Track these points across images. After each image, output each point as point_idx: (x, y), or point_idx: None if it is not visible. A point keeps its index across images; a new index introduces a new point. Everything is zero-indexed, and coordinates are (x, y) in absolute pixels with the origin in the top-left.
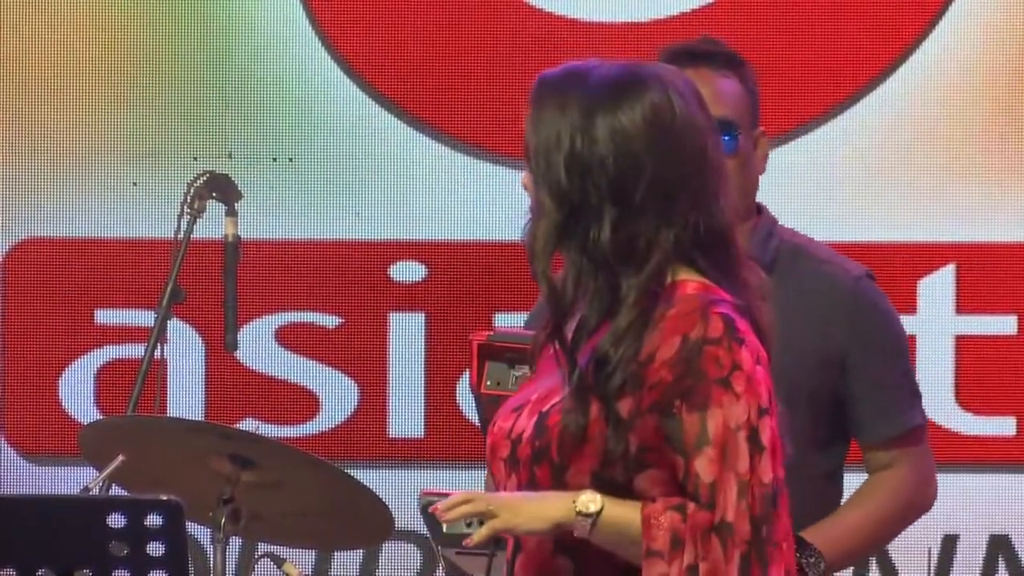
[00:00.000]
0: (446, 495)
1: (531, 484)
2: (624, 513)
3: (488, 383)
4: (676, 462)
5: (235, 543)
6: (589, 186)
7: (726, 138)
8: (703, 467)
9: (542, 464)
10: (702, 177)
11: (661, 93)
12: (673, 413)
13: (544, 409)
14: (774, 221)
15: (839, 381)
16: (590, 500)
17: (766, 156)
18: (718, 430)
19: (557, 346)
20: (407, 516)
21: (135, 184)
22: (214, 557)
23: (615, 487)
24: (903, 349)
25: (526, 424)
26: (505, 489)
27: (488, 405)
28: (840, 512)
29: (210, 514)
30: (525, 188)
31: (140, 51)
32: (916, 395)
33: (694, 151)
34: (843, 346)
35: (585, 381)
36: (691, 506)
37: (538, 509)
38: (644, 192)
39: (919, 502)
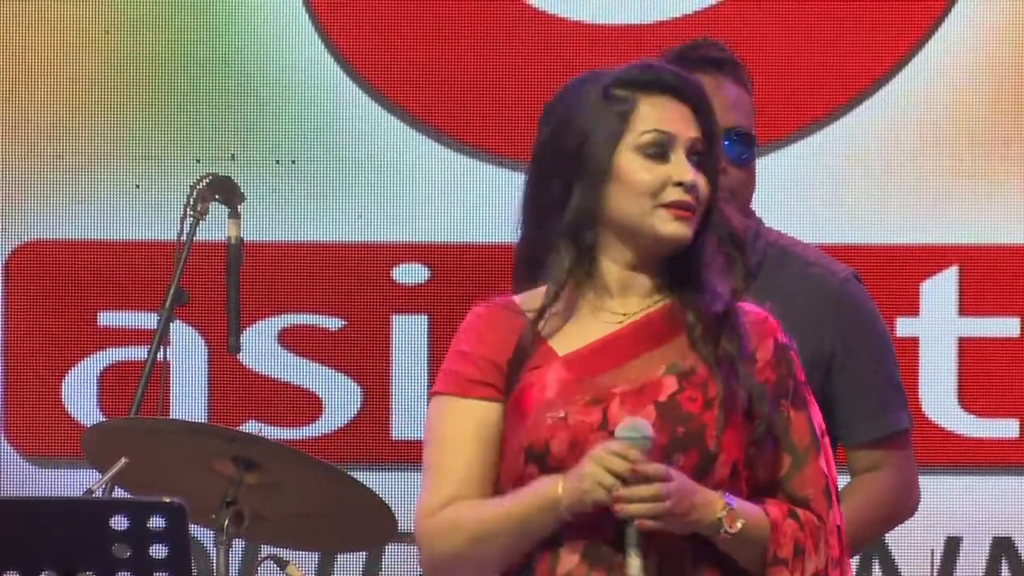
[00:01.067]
0: None
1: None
2: (756, 523)
3: None
4: (777, 458)
5: (238, 545)
6: None
7: (744, 148)
8: (817, 472)
9: (689, 451)
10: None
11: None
12: (780, 411)
13: (663, 399)
14: (760, 222)
15: (825, 382)
16: (736, 517)
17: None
18: (820, 433)
19: (691, 343)
20: (410, 518)
21: (138, 186)
22: (217, 559)
23: (739, 479)
24: (889, 351)
25: (631, 414)
26: None
27: None
28: None
29: (213, 516)
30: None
31: (142, 54)
32: (902, 398)
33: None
34: (829, 347)
35: (727, 374)
36: (802, 513)
37: (690, 516)
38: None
39: (901, 507)
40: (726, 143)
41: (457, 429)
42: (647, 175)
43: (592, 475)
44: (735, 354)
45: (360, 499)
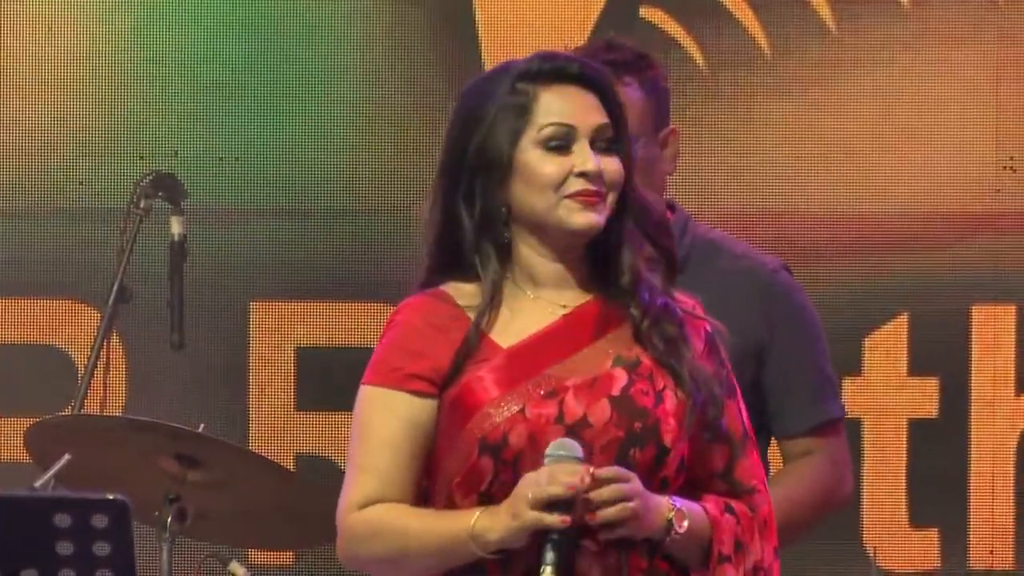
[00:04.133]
0: None
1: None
2: (699, 521)
3: None
4: (715, 449)
5: (190, 544)
6: None
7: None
8: (751, 463)
9: (646, 446)
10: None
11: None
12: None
13: (615, 394)
14: (688, 218)
15: (757, 373)
16: (683, 516)
17: (676, 154)
18: (748, 422)
19: (635, 335)
20: None
21: (82, 184)
22: (160, 557)
23: (679, 476)
24: (820, 341)
25: (586, 408)
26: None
27: None
28: None
29: (156, 514)
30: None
31: (85, 50)
32: (833, 387)
33: None
34: (760, 338)
35: (676, 368)
36: (736, 506)
37: (648, 513)
38: None
39: (834, 493)
40: None
41: (386, 425)
42: (549, 168)
43: (530, 512)
44: (681, 344)
45: (305, 496)
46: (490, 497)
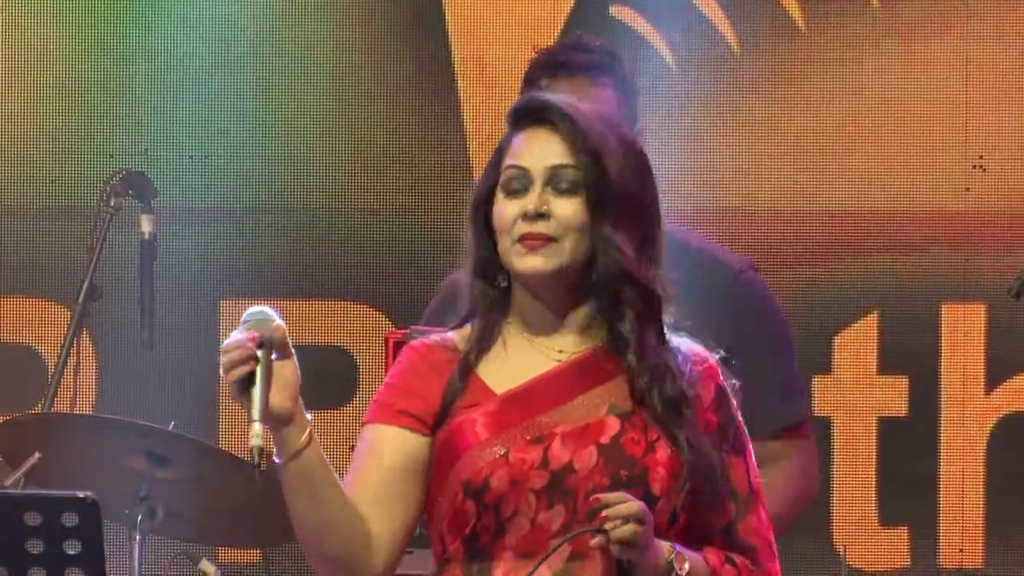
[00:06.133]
0: None
1: (593, 515)
2: (699, 568)
3: None
4: (721, 505)
5: (161, 541)
6: None
7: None
8: (761, 519)
9: (633, 494)
10: None
11: None
12: (722, 456)
13: (604, 441)
14: None
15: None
16: (684, 558)
17: None
18: (756, 479)
19: (632, 384)
20: None
21: (52, 182)
22: (131, 554)
23: (677, 526)
24: (787, 341)
25: (573, 455)
26: (545, 519)
27: None
28: None
29: (126, 511)
30: None
31: (54, 48)
32: (800, 387)
33: None
34: (726, 339)
35: (673, 419)
36: (738, 559)
37: (653, 550)
38: None
39: (804, 495)
40: None
41: (368, 451)
42: (502, 212)
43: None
44: (682, 405)
45: (275, 494)
46: (475, 539)
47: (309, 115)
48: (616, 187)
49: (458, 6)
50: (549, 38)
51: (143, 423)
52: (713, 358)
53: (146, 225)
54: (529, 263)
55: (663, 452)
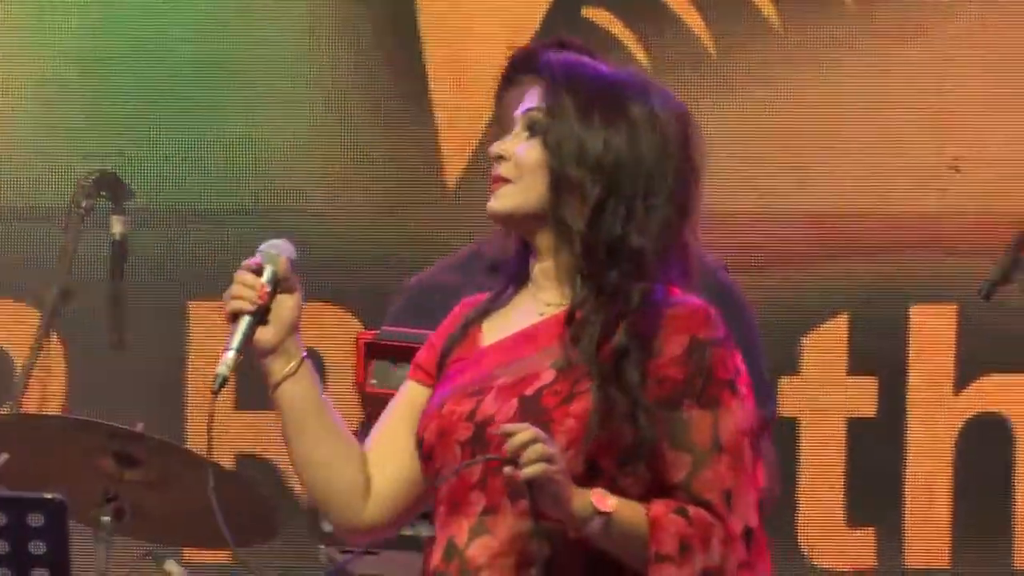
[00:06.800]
0: None
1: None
2: (633, 514)
3: (373, 381)
4: (676, 459)
5: (127, 542)
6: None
7: None
8: (719, 472)
9: None
10: None
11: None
12: (682, 410)
13: (528, 393)
14: None
15: None
16: (606, 496)
17: None
18: (730, 435)
19: (570, 337)
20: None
21: (24, 183)
22: (97, 555)
23: (603, 480)
24: (755, 342)
25: (499, 407)
26: (466, 471)
27: (372, 403)
28: None
29: (93, 512)
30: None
31: (29, 49)
32: (767, 389)
33: None
34: None
35: (606, 373)
36: (693, 510)
37: (568, 490)
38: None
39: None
40: None
41: (389, 405)
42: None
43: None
44: (628, 352)
45: (243, 495)
46: (434, 493)
47: (283, 119)
48: (580, 130)
49: (432, 10)
50: (523, 40)
51: (111, 424)
52: (703, 309)
53: (117, 226)
54: (489, 205)
55: (580, 404)
